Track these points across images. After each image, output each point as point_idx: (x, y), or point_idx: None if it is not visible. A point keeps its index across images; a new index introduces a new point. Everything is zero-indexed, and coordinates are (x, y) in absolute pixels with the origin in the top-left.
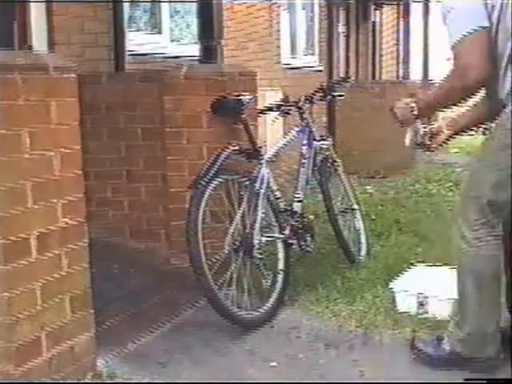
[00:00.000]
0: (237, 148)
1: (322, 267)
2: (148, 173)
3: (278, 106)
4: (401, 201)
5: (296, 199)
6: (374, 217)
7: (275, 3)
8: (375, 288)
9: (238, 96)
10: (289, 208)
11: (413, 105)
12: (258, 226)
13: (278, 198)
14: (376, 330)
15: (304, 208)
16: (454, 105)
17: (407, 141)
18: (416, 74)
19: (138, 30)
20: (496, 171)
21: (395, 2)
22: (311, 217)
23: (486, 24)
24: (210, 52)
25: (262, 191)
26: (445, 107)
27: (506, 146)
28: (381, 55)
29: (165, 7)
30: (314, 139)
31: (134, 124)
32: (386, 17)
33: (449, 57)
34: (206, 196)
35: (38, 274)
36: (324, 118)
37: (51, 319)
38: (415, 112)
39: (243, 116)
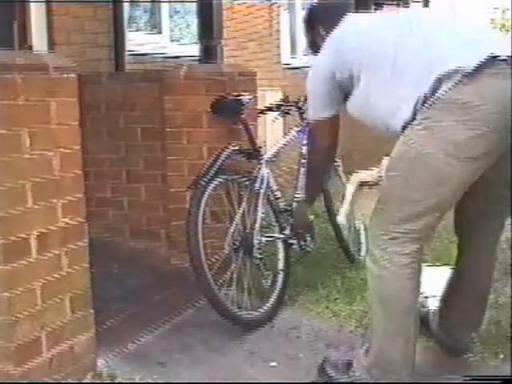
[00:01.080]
0: (237, 148)
1: (322, 267)
2: (148, 173)
3: (278, 106)
4: None
5: (296, 199)
6: None
7: (275, 3)
8: None
9: (238, 96)
10: (289, 208)
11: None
12: (257, 226)
13: (277, 198)
14: None
15: None
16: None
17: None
18: None
19: (137, 30)
20: (402, 180)
21: (395, 2)
22: (311, 217)
23: (334, 112)
24: (209, 52)
25: (262, 191)
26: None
27: (404, 156)
28: None
29: (165, 7)
30: None
31: (133, 124)
32: None
33: None
34: (205, 196)
35: (38, 274)
36: None
37: (51, 319)
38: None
39: (243, 116)
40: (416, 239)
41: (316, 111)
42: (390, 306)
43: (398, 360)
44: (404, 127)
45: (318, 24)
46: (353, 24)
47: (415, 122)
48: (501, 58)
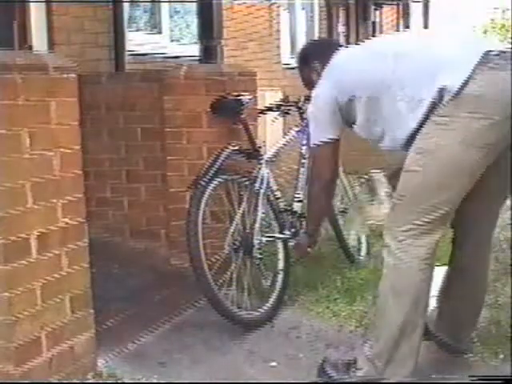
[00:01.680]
0: (237, 148)
1: (322, 267)
2: (148, 173)
3: (278, 106)
4: None
5: (296, 199)
6: None
7: (275, 3)
8: (375, 288)
9: (238, 96)
10: (289, 208)
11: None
12: (257, 226)
13: (277, 198)
14: None
15: (304, 208)
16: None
17: None
18: None
19: (137, 30)
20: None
21: (395, 2)
22: None
23: (336, 136)
24: (209, 52)
25: (262, 191)
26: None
27: (423, 151)
28: None
29: (165, 7)
30: None
31: (133, 124)
32: (385, 17)
33: None
34: (205, 196)
35: (38, 274)
36: None
37: (51, 319)
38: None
39: (243, 116)
40: (432, 232)
41: (318, 135)
42: (402, 297)
43: (403, 351)
44: (411, 137)
45: (313, 59)
46: (348, 51)
47: (431, 120)
48: (495, 52)
